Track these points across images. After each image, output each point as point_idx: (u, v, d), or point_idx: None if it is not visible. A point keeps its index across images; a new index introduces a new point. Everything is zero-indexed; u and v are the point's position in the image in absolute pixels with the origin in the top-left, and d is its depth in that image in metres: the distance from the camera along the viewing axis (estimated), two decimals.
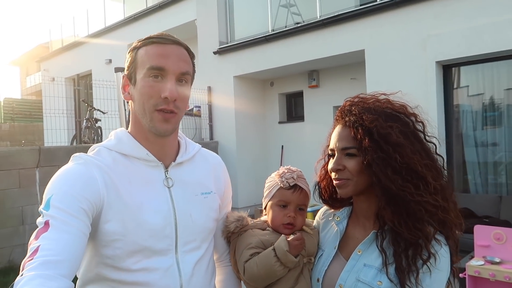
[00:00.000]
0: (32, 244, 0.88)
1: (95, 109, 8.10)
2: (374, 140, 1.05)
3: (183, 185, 1.14)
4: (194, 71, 1.16)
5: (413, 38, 5.76)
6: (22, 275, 0.81)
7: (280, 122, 8.87)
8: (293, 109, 9.00)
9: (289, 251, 1.13)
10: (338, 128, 1.15)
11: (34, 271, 0.81)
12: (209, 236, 1.20)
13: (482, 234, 3.25)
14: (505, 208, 4.95)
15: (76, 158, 1.06)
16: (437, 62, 5.54)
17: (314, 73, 8.01)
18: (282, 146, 8.70)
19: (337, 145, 1.12)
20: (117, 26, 11.66)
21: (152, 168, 1.11)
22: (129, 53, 1.11)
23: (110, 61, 11.61)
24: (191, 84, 1.15)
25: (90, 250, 1.05)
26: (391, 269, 1.03)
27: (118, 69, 5.79)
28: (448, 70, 5.70)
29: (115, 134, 1.15)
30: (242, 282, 1.31)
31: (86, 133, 8.06)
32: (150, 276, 1.04)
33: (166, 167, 1.13)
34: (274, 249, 1.14)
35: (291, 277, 1.17)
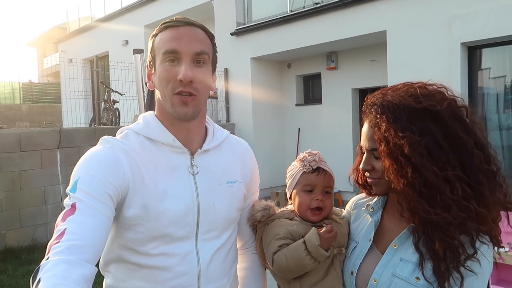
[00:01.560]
0: (59, 226, 0.89)
1: (113, 90, 8.14)
2: (390, 148, 0.99)
3: (208, 173, 1.13)
4: (214, 51, 1.13)
5: (437, 18, 5.58)
6: (47, 258, 0.82)
7: (297, 105, 8.79)
8: (311, 92, 8.90)
9: (320, 245, 1.10)
10: (365, 126, 1.09)
11: (59, 255, 0.82)
12: (231, 225, 1.19)
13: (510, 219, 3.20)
14: None
15: (104, 142, 1.06)
16: (462, 44, 5.37)
17: (332, 54, 7.87)
18: (299, 128, 8.64)
19: (365, 144, 1.08)
20: (133, 7, 11.61)
21: (178, 154, 1.10)
22: (149, 42, 1.11)
23: (127, 42, 11.61)
24: (214, 64, 1.13)
25: (112, 232, 1.07)
26: (428, 269, 0.98)
27: (137, 51, 5.77)
28: (473, 52, 5.52)
29: (143, 117, 1.14)
30: (267, 270, 1.30)
31: (104, 114, 8.12)
32: (168, 261, 1.05)
33: (192, 154, 1.12)
34: (304, 242, 1.12)
35: (320, 269, 1.14)
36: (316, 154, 1.25)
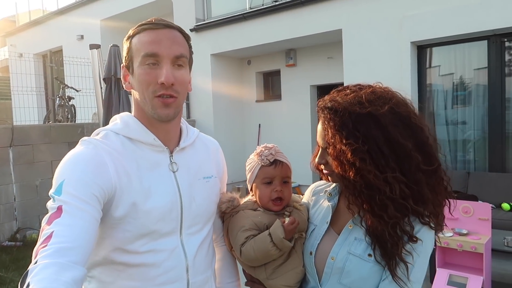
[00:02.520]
0: (45, 229, 0.87)
1: (68, 86, 7.87)
2: (336, 152, 1.09)
3: (187, 170, 1.16)
4: (191, 53, 1.15)
5: (389, 18, 5.86)
6: (36, 262, 0.81)
7: (257, 101, 8.90)
8: (271, 88, 9.02)
9: (285, 236, 1.16)
10: (319, 125, 1.17)
11: (48, 258, 0.81)
12: (211, 219, 1.23)
13: (451, 207, 3.44)
14: (472, 183, 5.21)
15: (86, 143, 1.05)
16: (412, 43, 5.68)
17: (291, 51, 8.03)
18: (259, 124, 8.76)
19: (319, 142, 1.17)
20: (88, 1, 11.22)
21: (158, 152, 1.12)
22: (125, 43, 1.10)
23: (82, 37, 11.21)
24: (190, 66, 1.16)
25: (98, 234, 1.03)
26: (377, 249, 1.09)
27: (93, 46, 5.65)
28: (422, 51, 5.85)
29: (121, 118, 1.14)
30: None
31: (60, 111, 7.84)
32: (157, 257, 1.07)
33: (171, 152, 1.14)
34: (270, 235, 1.18)
35: (282, 254, 1.21)
36: (272, 148, 1.30)
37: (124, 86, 1.12)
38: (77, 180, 0.95)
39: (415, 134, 1.07)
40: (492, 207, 4.49)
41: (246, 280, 1.32)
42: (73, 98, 8.00)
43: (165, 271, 1.08)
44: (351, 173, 1.06)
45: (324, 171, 1.19)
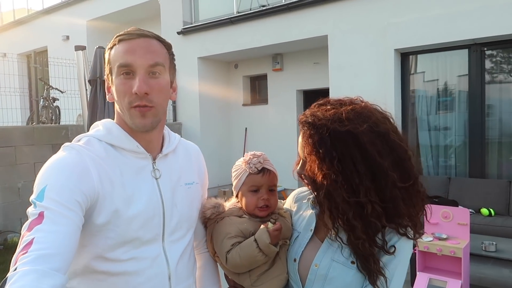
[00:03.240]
0: (26, 236, 0.85)
1: (52, 87, 7.77)
2: (310, 170, 1.11)
3: (169, 176, 1.15)
4: (172, 60, 1.14)
5: (374, 25, 5.96)
6: (15, 269, 0.79)
7: (244, 105, 8.93)
8: (257, 92, 9.06)
9: (271, 242, 1.17)
10: (300, 136, 1.17)
11: (28, 265, 0.79)
12: (193, 225, 1.23)
13: (432, 212, 3.51)
14: (453, 189, 5.32)
15: (69, 148, 1.04)
16: (396, 50, 5.78)
17: (278, 56, 8.09)
18: (246, 128, 8.78)
19: (300, 153, 1.18)
20: (74, 1, 11.12)
21: (141, 159, 1.11)
22: (106, 54, 1.10)
23: (68, 37, 11.11)
24: (172, 74, 1.14)
25: (79, 242, 1.01)
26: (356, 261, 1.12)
27: (79, 48, 5.60)
28: (406, 58, 5.96)
29: (103, 124, 1.13)
30: (219, 265, 1.37)
31: (44, 113, 7.73)
32: (139, 265, 1.06)
33: (154, 159, 1.14)
34: (255, 241, 1.18)
35: (268, 260, 1.22)
36: (260, 156, 1.31)
37: (107, 97, 1.12)
38: (60, 186, 0.94)
39: (393, 151, 1.08)
40: (471, 212, 4.60)
41: (228, 287, 1.32)
42: (58, 100, 7.91)
43: (148, 279, 1.07)
44: (321, 192, 1.09)
45: (305, 181, 1.21)
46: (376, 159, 1.05)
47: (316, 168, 1.08)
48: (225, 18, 7.77)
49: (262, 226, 1.21)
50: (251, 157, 1.31)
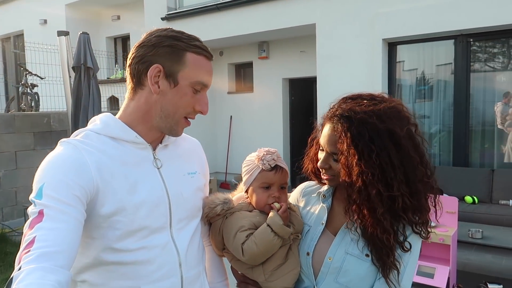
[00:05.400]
0: (27, 235, 0.86)
1: (31, 73, 7.52)
2: (347, 163, 1.11)
3: (171, 166, 1.17)
4: None
5: (362, 15, 5.96)
6: (20, 268, 0.80)
7: (229, 93, 8.86)
8: (242, 80, 9.00)
9: (284, 223, 1.19)
10: (328, 129, 1.18)
11: (32, 264, 0.81)
12: (198, 213, 1.24)
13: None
14: (438, 177, 5.42)
15: (65, 144, 1.04)
16: (384, 40, 5.81)
17: (264, 44, 8.02)
18: (231, 116, 8.73)
19: (326, 147, 1.18)
20: None
21: (141, 150, 1.12)
22: (169, 47, 1.06)
23: (45, 21, 10.71)
24: None
25: (85, 235, 1.03)
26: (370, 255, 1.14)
27: (61, 33, 5.42)
28: (393, 47, 6.00)
29: (100, 119, 1.13)
30: (224, 259, 1.37)
31: (23, 99, 7.49)
32: (149, 253, 1.06)
33: (154, 149, 1.15)
34: (269, 226, 1.19)
35: (281, 254, 1.23)
36: (274, 153, 1.30)
37: (151, 87, 1.06)
38: (57, 182, 0.94)
39: (418, 147, 1.13)
40: None
41: (236, 281, 1.32)
42: (37, 86, 7.67)
43: (159, 267, 1.08)
44: (358, 184, 1.09)
45: (324, 176, 1.21)
46: (410, 153, 1.09)
47: (354, 162, 1.09)
48: (211, 4, 7.64)
49: (271, 211, 1.23)
50: (265, 153, 1.30)
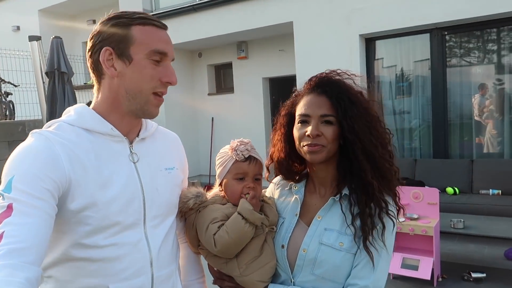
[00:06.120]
0: None
1: (5, 81, 7.33)
2: (359, 110, 1.14)
3: (148, 160, 1.13)
4: None
5: (338, 11, 5.99)
6: None
7: (209, 94, 8.80)
8: (222, 81, 8.95)
9: (254, 209, 1.17)
10: (312, 97, 1.18)
11: (0, 260, 0.78)
12: (174, 210, 1.21)
13: (403, 194, 3.61)
14: (419, 170, 5.49)
15: (36, 135, 0.99)
16: (360, 35, 5.85)
17: (243, 44, 8.00)
18: (212, 118, 8.67)
19: (315, 111, 1.15)
20: None
21: (117, 143, 1.08)
22: (113, 26, 1.04)
23: (18, 28, 10.48)
24: None
25: (55, 229, 0.98)
26: (352, 229, 1.13)
27: (33, 38, 5.28)
28: (370, 43, 6.05)
29: (74, 109, 1.09)
30: (201, 257, 1.33)
31: None
32: (119, 250, 1.03)
33: (131, 143, 1.11)
34: (239, 213, 1.17)
35: (256, 247, 1.20)
36: (248, 143, 1.28)
37: (108, 72, 1.04)
38: (27, 175, 0.90)
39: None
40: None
41: (213, 279, 1.29)
42: (11, 94, 7.48)
43: (129, 265, 1.04)
44: (377, 125, 1.16)
45: (310, 147, 1.15)
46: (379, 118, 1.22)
47: (365, 103, 1.19)
48: (187, 5, 7.57)
49: (241, 199, 1.21)
50: (238, 144, 1.27)
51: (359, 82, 1.23)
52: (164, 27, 1.08)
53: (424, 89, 5.94)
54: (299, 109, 1.19)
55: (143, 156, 1.12)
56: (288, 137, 1.24)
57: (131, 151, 1.10)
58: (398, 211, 1.18)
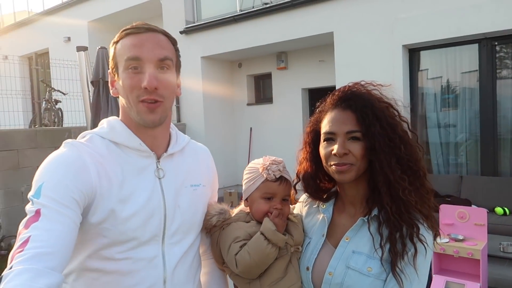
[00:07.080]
0: (22, 233, 0.84)
1: (54, 89, 7.71)
2: (383, 127, 1.06)
3: (174, 176, 1.13)
4: (178, 56, 1.14)
5: (381, 21, 5.84)
6: (11, 267, 0.79)
7: (248, 104, 8.82)
8: (262, 91, 8.96)
9: (277, 229, 1.13)
10: (336, 113, 1.12)
11: (23, 264, 0.78)
12: (197, 229, 1.19)
13: (447, 213, 3.41)
14: (465, 187, 5.20)
15: (69, 145, 1.02)
16: (404, 46, 5.66)
17: (282, 54, 7.98)
18: (251, 128, 8.68)
19: (340, 128, 1.09)
20: (75, 2, 11.05)
21: (144, 158, 1.09)
22: (110, 49, 1.09)
23: (69, 39, 11.04)
24: (178, 69, 1.13)
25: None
26: (381, 252, 1.05)
27: (81, 48, 5.51)
28: (414, 54, 5.84)
29: (108, 122, 1.12)
30: (227, 275, 1.30)
31: (46, 115, 7.67)
32: (133, 265, 1.03)
33: (158, 158, 1.12)
34: (262, 233, 1.13)
35: (280, 267, 1.15)
36: (281, 163, 1.24)
37: (111, 92, 1.11)
38: (57, 183, 0.93)
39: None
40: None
41: None
42: (60, 102, 7.85)
43: (140, 281, 1.04)
44: (402, 146, 1.06)
45: (339, 167, 1.08)
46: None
47: (393, 120, 1.11)
48: (228, 16, 7.67)
49: (265, 218, 1.16)
50: (271, 163, 1.23)
51: (394, 92, 1.17)
52: (140, 31, 1.05)
53: (472, 101, 5.65)
54: (324, 127, 1.14)
55: (169, 172, 1.12)
56: (315, 156, 1.19)
57: (157, 167, 1.10)
58: (435, 235, 1.09)
